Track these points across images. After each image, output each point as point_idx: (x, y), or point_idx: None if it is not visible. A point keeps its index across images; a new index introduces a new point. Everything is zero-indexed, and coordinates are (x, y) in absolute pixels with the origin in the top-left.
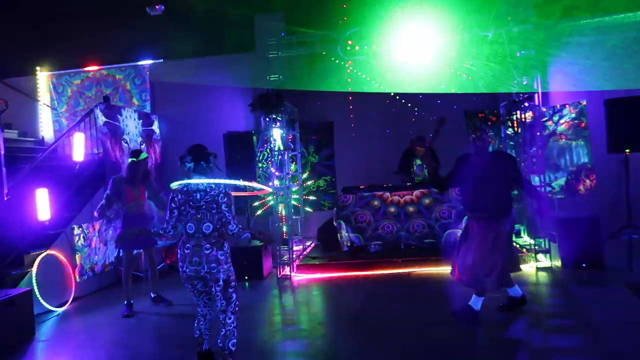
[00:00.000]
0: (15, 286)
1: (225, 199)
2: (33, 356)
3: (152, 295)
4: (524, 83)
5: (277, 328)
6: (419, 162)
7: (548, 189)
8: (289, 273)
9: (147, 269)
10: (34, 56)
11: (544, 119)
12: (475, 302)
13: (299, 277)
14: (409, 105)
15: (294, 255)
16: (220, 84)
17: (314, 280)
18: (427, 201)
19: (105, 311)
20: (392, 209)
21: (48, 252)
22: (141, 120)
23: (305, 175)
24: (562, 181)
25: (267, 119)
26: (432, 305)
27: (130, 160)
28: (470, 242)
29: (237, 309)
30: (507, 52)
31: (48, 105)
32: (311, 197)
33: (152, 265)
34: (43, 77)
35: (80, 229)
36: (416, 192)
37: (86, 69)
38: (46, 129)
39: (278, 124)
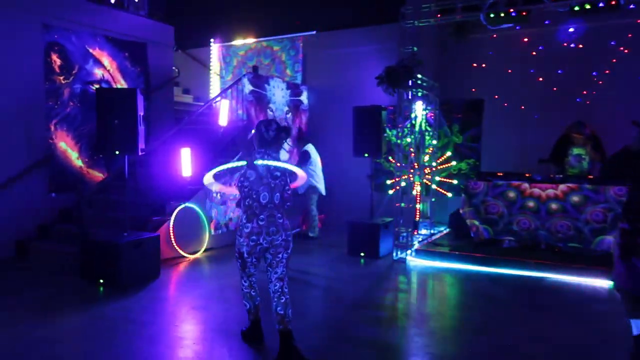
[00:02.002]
0: (156, 231)
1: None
2: (154, 291)
3: None
4: None
5: (363, 310)
6: (576, 151)
7: None
8: (405, 256)
9: None
10: (210, 29)
11: None
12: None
13: (415, 262)
14: (577, 83)
15: (416, 239)
16: (366, 55)
17: (431, 268)
18: (575, 199)
19: (230, 263)
20: (531, 204)
21: (187, 204)
22: (289, 90)
23: (445, 156)
24: None
25: (404, 94)
26: (569, 322)
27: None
28: None
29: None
30: None
31: (217, 74)
32: (450, 181)
33: None
34: (215, 49)
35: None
36: (562, 187)
37: (249, 40)
38: (214, 94)
39: (418, 100)
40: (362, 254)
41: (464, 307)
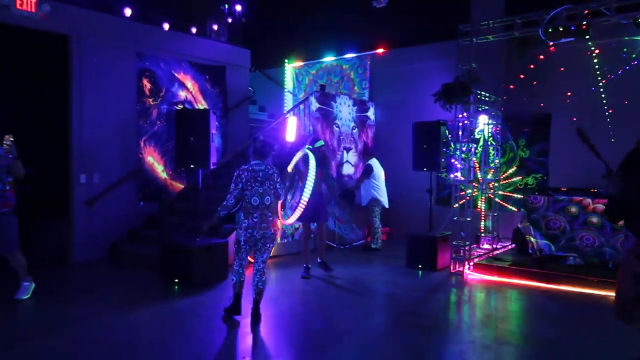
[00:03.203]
0: (226, 237)
1: (278, 178)
2: (221, 291)
3: (319, 260)
4: None
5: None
6: None
7: None
8: (463, 270)
9: (317, 238)
10: (284, 50)
11: None
12: None
13: (473, 276)
14: None
15: (475, 253)
16: (431, 71)
17: (488, 283)
18: None
19: (292, 270)
20: (595, 220)
21: None
22: (356, 107)
23: (511, 171)
24: None
25: (461, 109)
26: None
27: (306, 147)
28: None
29: None
30: None
31: (290, 92)
32: (516, 195)
33: (321, 236)
34: (289, 68)
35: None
36: None
37: (321, 60)
38: (293, 112)
39: (480, 115)
40: (419, 266)
41: (511, 320)
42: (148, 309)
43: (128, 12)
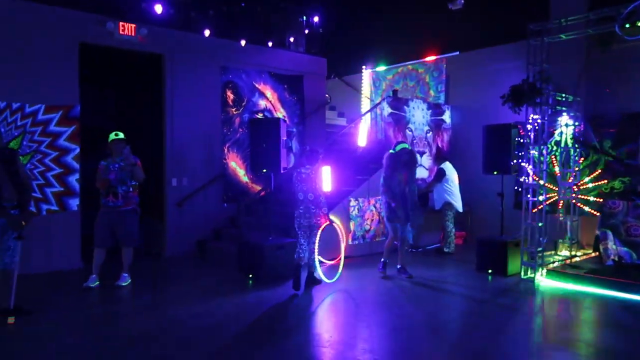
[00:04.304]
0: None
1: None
2: (289, 287)
3: (398, 266)
4: None
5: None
6: None
7: None
8: (534, 276)
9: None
10: (361, 57)
11: None
12: None
13: (545, 283)
14: None
15: (554, 260)
16: (506, 72)
17: (560, 290)
18: None
19: (364, 270)
20: None
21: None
22: (430, 111)
23: (595, 174)
24: None
25: (531, 111)
26: None
27: (389, 151)
28: None
29: None
30: None
31: (367, 97)
32: (599, 200)
33: (403, 242)
34: (367, 74)
35: (357, 201)
36: None
37: (396, 65)
38: (365, 117)
39: (559, 116)
40: (489, 271)
41: (575, 329)
42: (223, 300)
43: (207, 32)
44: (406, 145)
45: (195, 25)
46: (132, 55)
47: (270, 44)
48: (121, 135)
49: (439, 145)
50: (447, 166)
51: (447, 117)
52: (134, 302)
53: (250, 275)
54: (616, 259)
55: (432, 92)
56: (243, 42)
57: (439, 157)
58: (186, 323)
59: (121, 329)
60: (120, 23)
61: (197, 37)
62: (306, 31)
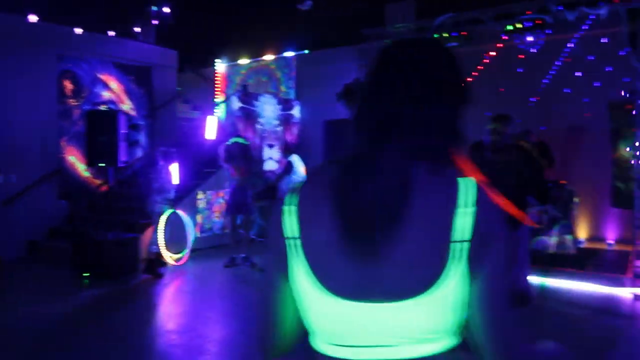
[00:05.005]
0: (142, 232)
1: None
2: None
3: (242, 255)
4: None
5: None
6: None
7: None
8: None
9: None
10: (214, 51)
11: None
12: None
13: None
14: None
15: None
16: (349, 72)
17: None
18: None
19: (211, 261)
20: None
21: (172, 210)
22: (280, 105)
23: None
24: None
25: None
26: None
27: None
28: None
29: None
30: None
31: (221, 91)
32: None
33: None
34: (221, 68)
35: (204, 194)
36: None
37: (247, 61)
38: (216, 111)
39: None
40: None
41: None
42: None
43: (34, 18)
44: (240, 140)
45: (24, 9)
46: None
47: (113, 33)
48: None
49: (288, 139)
50: (295, 159)
51: (296, 111)
52: None
53: (86, 274)
54: None
55: (282, 88)
56: (80, 30)
57: (288, 150)
58: (8, 327)
59: None
60: None
61: (27, 23)
62: (156, 22)
